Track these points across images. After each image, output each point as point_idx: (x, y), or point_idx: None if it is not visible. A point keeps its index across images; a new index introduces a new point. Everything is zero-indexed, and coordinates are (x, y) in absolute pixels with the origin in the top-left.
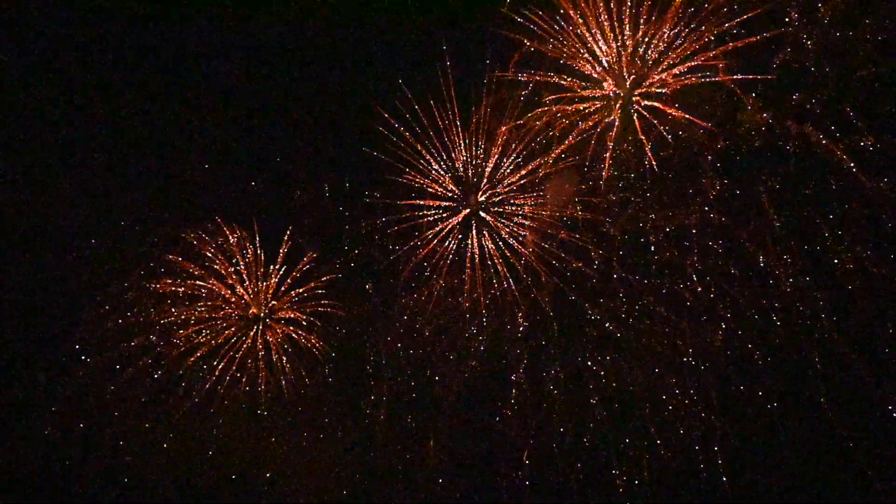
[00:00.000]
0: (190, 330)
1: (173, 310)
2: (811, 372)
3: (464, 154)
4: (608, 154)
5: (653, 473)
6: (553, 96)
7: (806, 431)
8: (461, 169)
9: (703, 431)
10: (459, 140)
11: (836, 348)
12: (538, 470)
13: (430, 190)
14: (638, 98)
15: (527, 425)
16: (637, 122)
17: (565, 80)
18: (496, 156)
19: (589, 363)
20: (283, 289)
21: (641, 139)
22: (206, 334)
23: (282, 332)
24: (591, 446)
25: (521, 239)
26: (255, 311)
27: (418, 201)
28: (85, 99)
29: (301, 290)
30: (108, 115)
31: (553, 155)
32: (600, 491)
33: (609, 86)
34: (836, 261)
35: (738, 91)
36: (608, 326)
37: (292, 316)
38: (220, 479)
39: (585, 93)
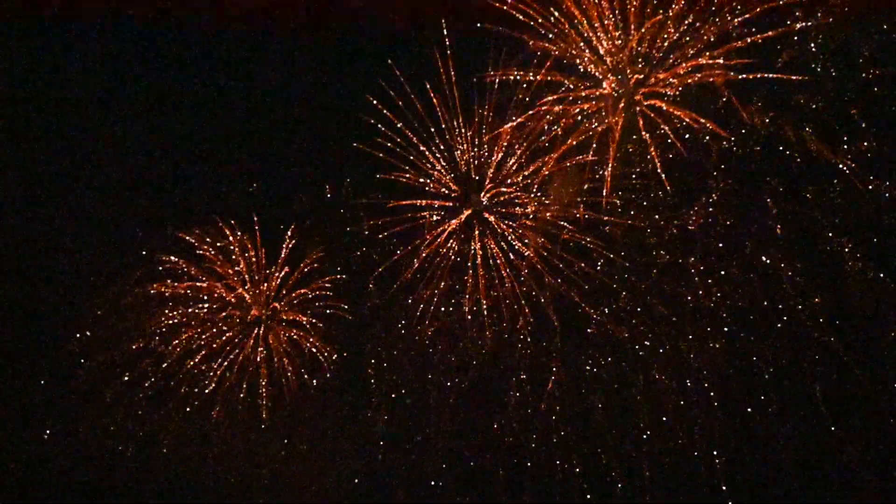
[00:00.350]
0: (190, 332)
1: (173, 312)
2: (812, 374)
3: (466, 154)
4: (611, 154)
5: (653, 475)
6: (556, 95)
7: (806, 434)
8: (463, 169)
9: (703, 434)
10: (461, 140)
11: (839, 351)
12: (539, 472)
13: (432, 190)
14: (640, 97)
15: (528, 427)
16: (640, 122)
17: (568, 79)
18: (499, 155)
19: (590, 365)
20: (284, 291)
21: (645, 139)
22: (207, 337)
23: (283, 334)
24: (592, 448)
25: (523, 240)
26: (256, 312)
27: (420, 201)
28: (85, 100)
29: (303, 292)
30: (109, 117)
31: (556, 155)
32: (601, 493)
33: (612, 85)
34: (839, 263)
35: (741, 91)
36: (610, 328)
37: (294, 318)
38: (221, 482)
39: (588, 92)
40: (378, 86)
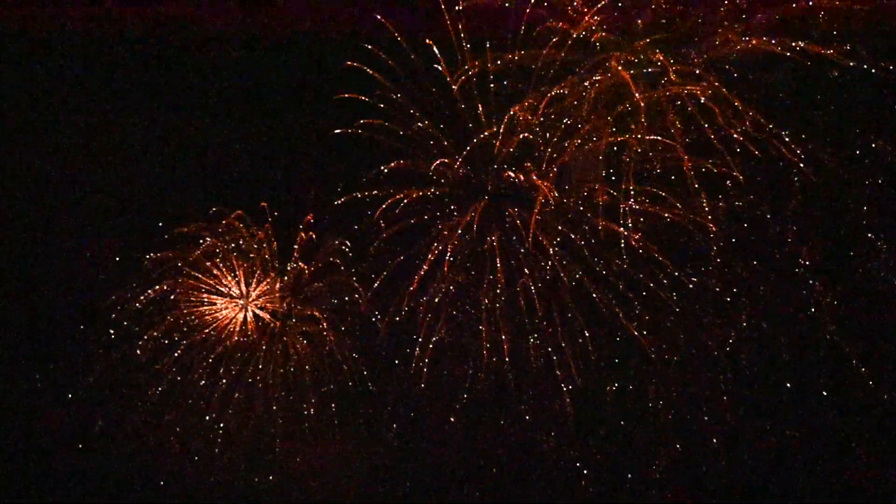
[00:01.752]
0: (203, 333)
1: (183, 311)
2: (833, 368)
3: (481, 140)
4: (633, 136)
5: (664, 470)
6: (575, 77)
7: (821, 428)
8: (478, 156)
9: (718, 427)
10: (477, 125)
11: (861, 346)
12: (549, 467)
13: (447, 179)
14: (661, 78)
15: (544, 422)
16: (664, 102)
17: (587, 58)
18: (516, 141)
19: (609, 357)
20: (299, 285)
21: (669, 119)
22: (218, 335)
23: (297, 331)
24: (608, 446)
25: (543, 228)
26: (270, 307)
27: (434, 190)
28: (91, 98)
29: (316, 286)
30: (112, 114)
31: (577, 140)
32: (610, 487)
33: (632, 65)
34: (867, 251)
35: (768, 68)
36: (632, 316)
37: (310, 313)
38: (233, 483)
39: (609, 74)
40: (389, 75)
